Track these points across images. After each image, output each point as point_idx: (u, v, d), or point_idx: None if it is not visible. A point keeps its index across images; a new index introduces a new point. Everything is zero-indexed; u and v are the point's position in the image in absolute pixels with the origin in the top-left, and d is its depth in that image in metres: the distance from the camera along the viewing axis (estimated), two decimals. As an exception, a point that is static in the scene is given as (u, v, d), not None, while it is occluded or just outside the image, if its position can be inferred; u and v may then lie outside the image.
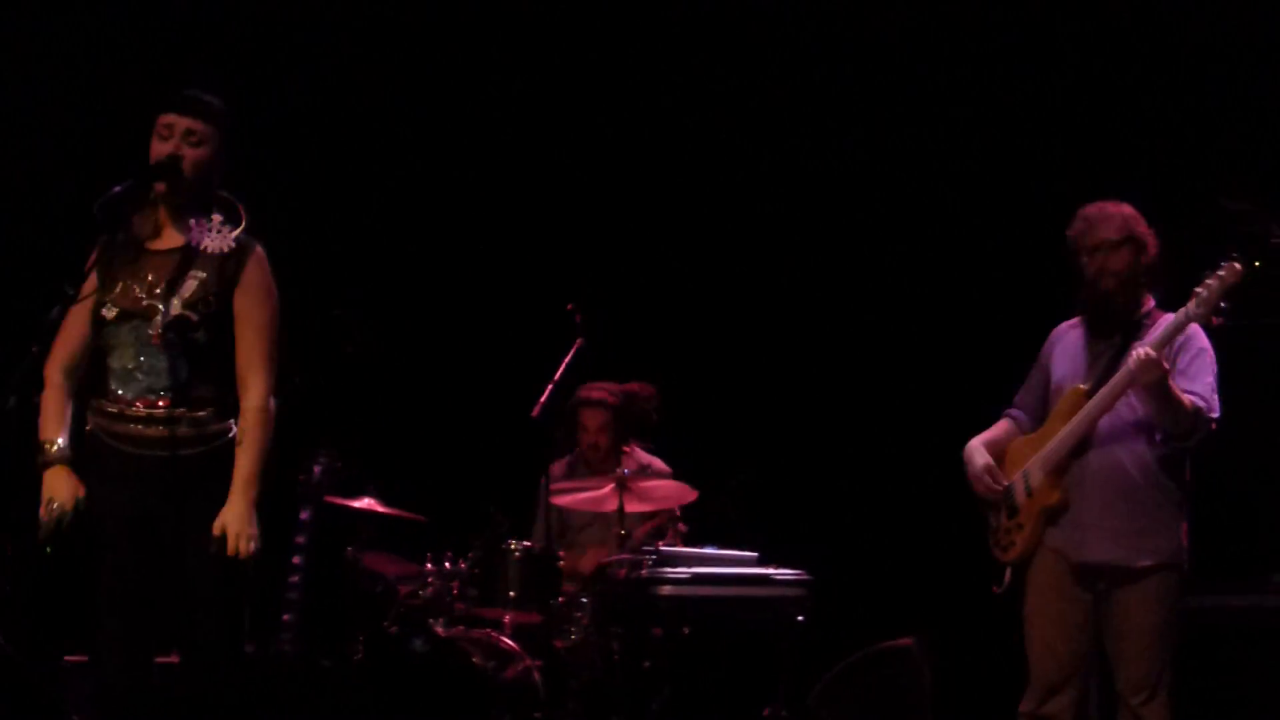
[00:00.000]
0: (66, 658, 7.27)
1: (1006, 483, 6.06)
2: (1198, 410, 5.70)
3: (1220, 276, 5.60)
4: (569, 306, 7.77)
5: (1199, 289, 5.63)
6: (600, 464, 8.17)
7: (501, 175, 9.46)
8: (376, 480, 7.91)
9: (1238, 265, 5.58)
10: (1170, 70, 8.41)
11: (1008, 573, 6.05)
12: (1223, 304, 5.60)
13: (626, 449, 8.25)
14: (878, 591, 8.44)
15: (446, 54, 9.38)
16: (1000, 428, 6.26)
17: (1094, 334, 6.02)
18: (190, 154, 5.10)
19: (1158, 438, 5.81)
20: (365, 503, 7.80)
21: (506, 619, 7.50)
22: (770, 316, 9.35)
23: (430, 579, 7.62)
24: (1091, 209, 5.99)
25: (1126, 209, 5.95)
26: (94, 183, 5.04)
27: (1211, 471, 6.07)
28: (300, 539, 7.29)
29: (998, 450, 6.18)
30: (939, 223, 8.92)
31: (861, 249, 9.19)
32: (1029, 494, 5.98)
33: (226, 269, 5.12)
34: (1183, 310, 5.68)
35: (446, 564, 7.65)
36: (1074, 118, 8.69)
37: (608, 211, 9.49)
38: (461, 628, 7.49)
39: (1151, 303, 5.96)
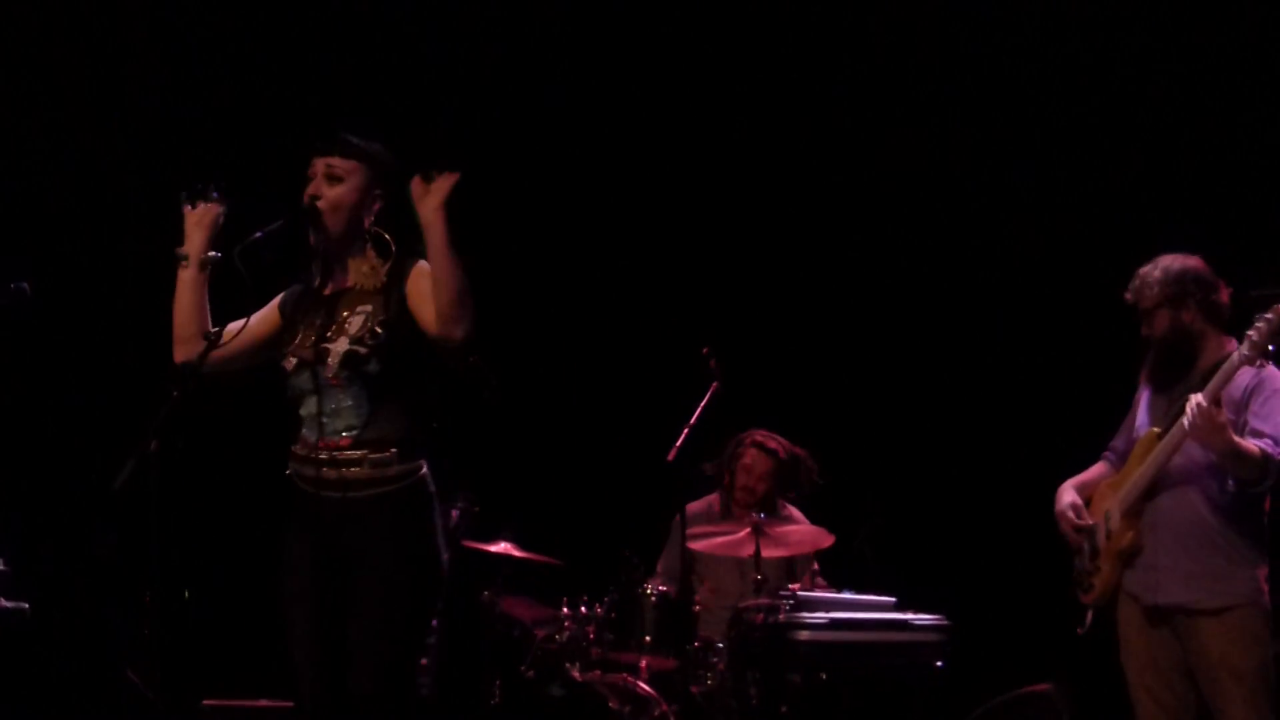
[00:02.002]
0: (205, 701, 7.36)
1: (1091, 523, 6.09)
2: (1267, 456, 5.66)
3: (1268, 319, 5.59)
4: (704, 351, 7.77)
5: (1250, 332, 5.63)
6: (744, 509, 8.15)
7: (637, 219, 9.48)
8: (513, 524, 7.93)
9: None
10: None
11: (1089, 614, 6.10)
12: (1271, 347, 5.60)
13: (785, 512, 8.26)
14: (1016, 636, 8.36)
15: (578, 104, 9.44)
16: (1095, 469, 6.36)
17: (1155, 388, 6.07)
18: (329, 192, 5.06)
19: (1229, 484, 5.78)
20: (502, 547, 7.83)
21: (643, 663, 7.48)
22: (907, 359, 9.30)
23: (566, 623, 7.62)
24: (1140, 271, 6.04)
25: (1173, 267, 5.97)
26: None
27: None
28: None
29: (1089, 491, 6.24)
30: (1085, 271, 8.84)
31: (1004, 292, 9.13)
32: (1108, 536, 6.01)
33: (391, 295, 5.06)
34: (1235, 354, 5.67)
35: (583, 608, 7.64)
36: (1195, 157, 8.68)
37: (743, 256, 9.48)
38: (598, 672, 7.48)
39: (1230, 347, 5.90)
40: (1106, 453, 6.35)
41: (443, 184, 4.91)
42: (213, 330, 5.04)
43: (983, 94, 9.16)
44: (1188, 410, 5.64)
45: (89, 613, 8.16)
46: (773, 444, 8.25)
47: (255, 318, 5.19)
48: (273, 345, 5.19)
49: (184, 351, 5.14)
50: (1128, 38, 8.83)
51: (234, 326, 5.11)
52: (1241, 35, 8.56)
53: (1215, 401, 5.63)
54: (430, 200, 4.91)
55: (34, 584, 6.93)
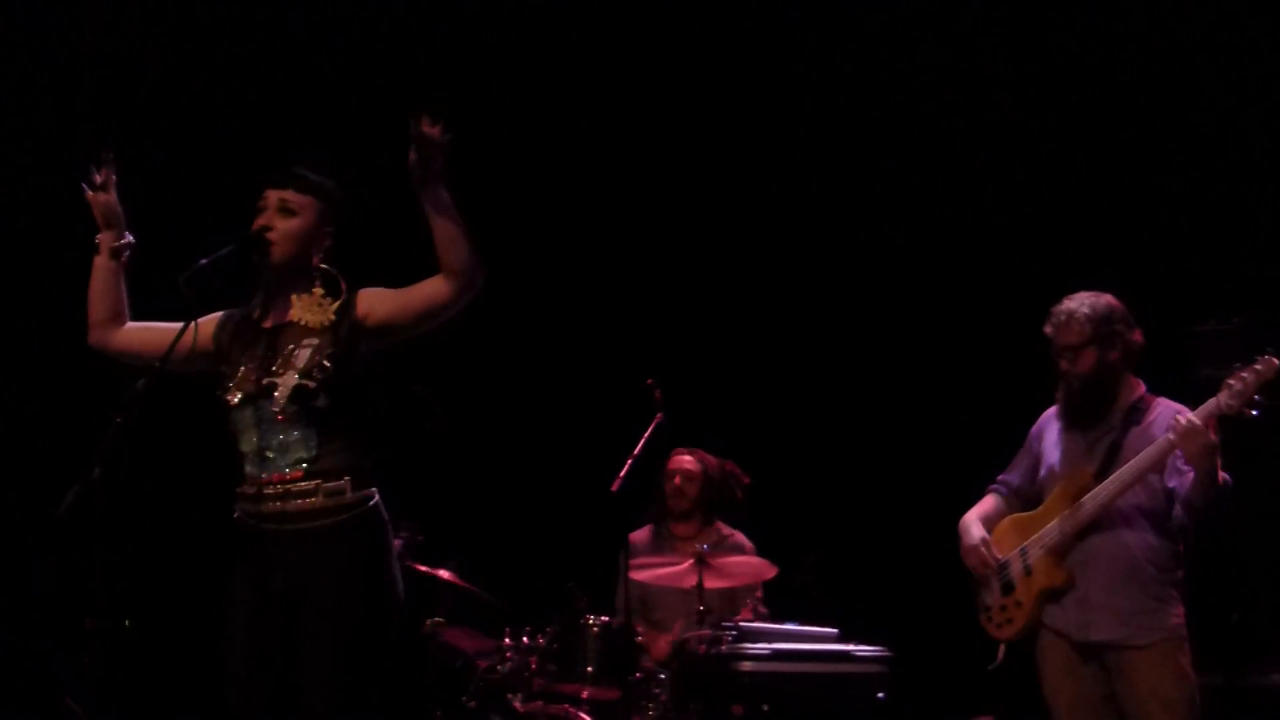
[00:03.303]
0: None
1: (1003, 558, 6.11)
2: (1225, 483, 5.72)
3: (1257, 370, 5.62)
4: (649, 382, 7.78)
5: (1232, 380, 5.65)
6: (683, 517, 8.20)
7: (582, 251, 9.50)
8: (456, 554, 7.92)
9: (1275, 360, 5.61)
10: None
11: (1001, 649, 6.15)
12: (1257, 397, 5.62)
13: (725, 530, 8.27)
14: (958, 668, 8.38)
15: (527, 127, 9.47)
16: (990, 503, 6.40)
17: (1070, 425, 6.11)
18: (281, 225, 5.05)
19: (1177, 512, 5.84)
20: (445, 576, 7.81)
21: (585, 694, 7.47)
22: (851, 393, 9.34)
23: (508, 653, 7.61)
24: (1061, 308, 6.07)
25: (1098, 305, 6.01)
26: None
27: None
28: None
29: (989, 525, 6.29)
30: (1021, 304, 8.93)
31: (947, 327, 9.19)
32: (1028, 573, 6.05)
33: (340, 329, 5.03)
34: (1213, 401, 5.68)
35: (525, 639, 7.63)
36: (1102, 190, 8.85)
37: (688, 287, 9.52)
38: (540, 703, 7.46)
39: (1142, 389, 6.04)
40: (997, 485, 6.42)
41: (434, 143, 4.86)
42: (158, 358, 5.01)
43: (895, 151, 9.30)
44: (1175, 427, 5.65)
45: (30, 641, 8.11)
46: (692, 450, 8.36)
47: (200, 321, 5.14)
48: (191, 360, 5.11)
49: (96, 335, 5.29)
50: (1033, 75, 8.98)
51: (185, 341, 5.04)
52: (1154, 80, 8.70)
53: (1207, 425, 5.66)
54: (427, 171, 4.90)
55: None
